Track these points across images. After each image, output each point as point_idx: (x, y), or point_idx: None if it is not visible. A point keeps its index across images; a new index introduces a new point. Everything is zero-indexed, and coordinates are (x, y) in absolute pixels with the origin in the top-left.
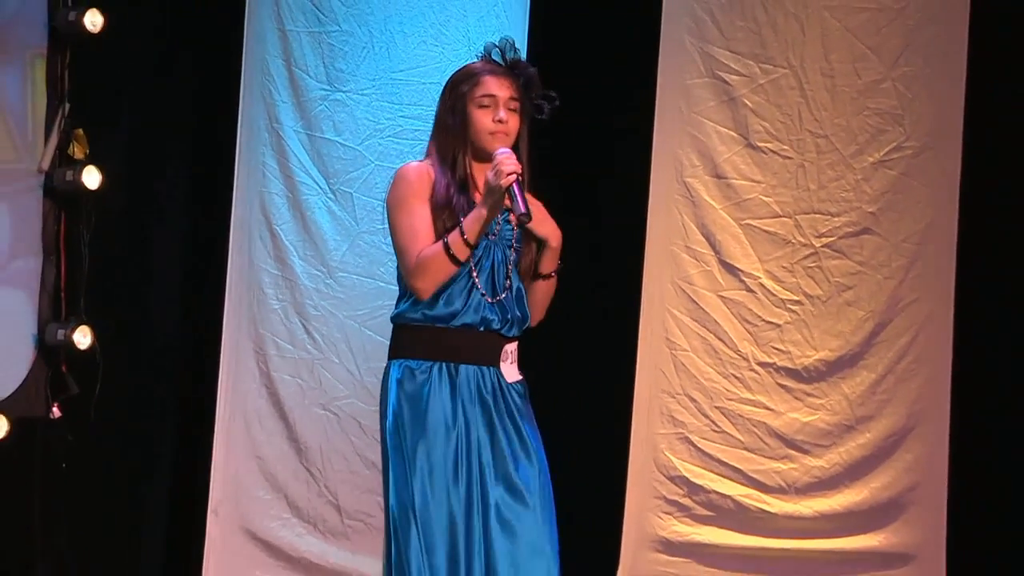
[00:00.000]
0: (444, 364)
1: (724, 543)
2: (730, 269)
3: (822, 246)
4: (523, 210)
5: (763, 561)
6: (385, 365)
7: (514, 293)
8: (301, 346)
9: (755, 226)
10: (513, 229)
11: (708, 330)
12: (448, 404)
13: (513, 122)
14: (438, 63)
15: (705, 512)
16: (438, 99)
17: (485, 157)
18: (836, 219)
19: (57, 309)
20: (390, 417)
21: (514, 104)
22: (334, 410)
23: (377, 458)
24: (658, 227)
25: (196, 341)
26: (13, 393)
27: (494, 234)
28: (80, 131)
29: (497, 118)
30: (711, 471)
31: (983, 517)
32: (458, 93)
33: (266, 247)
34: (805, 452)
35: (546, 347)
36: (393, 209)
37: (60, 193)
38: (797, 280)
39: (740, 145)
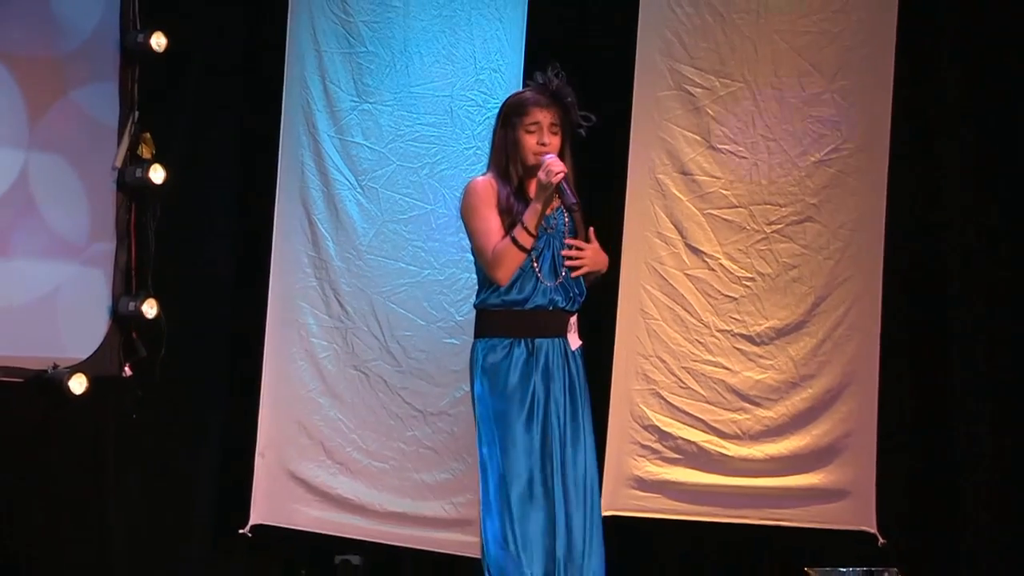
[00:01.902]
0: (522, 340)
1: (689, 481)
2: (695, 251)
3: (772, 232)
4: (573, 200)
5: (721, 496)
6: (472, 344)
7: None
8: (335, 317)
9: (715, 215)
10: (566, 223)
11: (676, 303)
12: (525, 373)
13: (554, 143)
14: (449, 79)
15: (673, 455)
16: (494, 122)
17: (532, 171)
18: (783, 209)
19: (128, 285)
20: (478, 386)
21: (555, 129)
22: (363, 370)
23: (399, 410)
24: (634, 216)
25: (246, 312)
26: (92, 355)
27: (551, 228)
28: (147, 135)
29: (541, 141)
30: (678, 421)
31: (905, 459)
32: (510, 121)
33: (305, 233)
34: (757, 405)
35: None
36: (468, 216)
37: (131, 187)
38: (751, 261)
39: (703, 147)
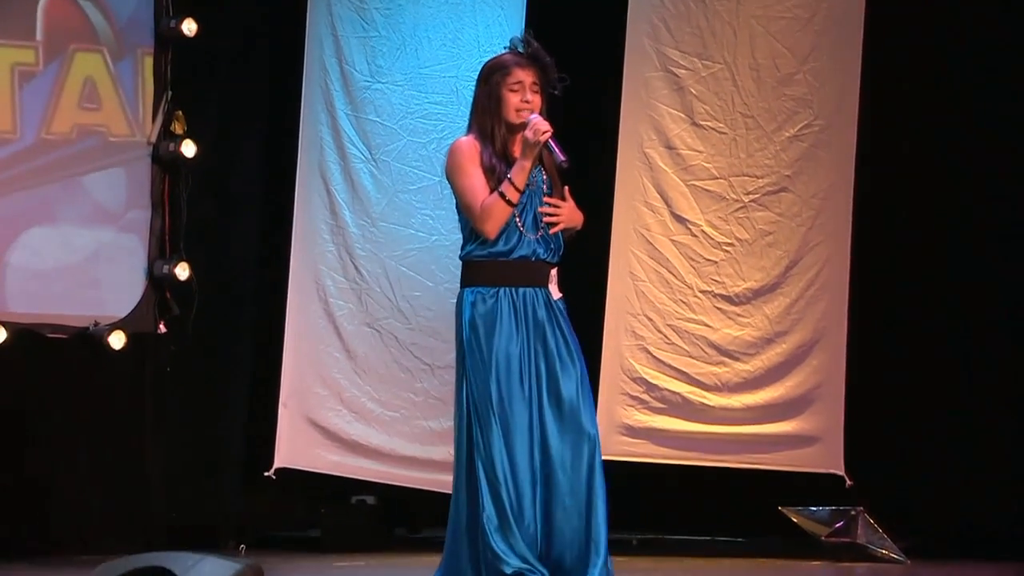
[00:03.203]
0: (507, 288)
1: (673, 428)
2: (679, 219)
3: (750, 201)
4: (562, 159)
5: (703, 442)
6: (458, 294)
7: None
8: (351, 278)
9: (698, 186)
10: (545, 180)
11: (662, 266)
12: (513, 320)
13: (536, 101)
14: (455, 61)
15: (659, 405)
16: (476, 85)
17: (515, 129)
18: (760, 180)
19: (163, 249)
20: (467, 332)
21: (536, 88)
22: (376, 327)
23: (409, 363)
24: (623, 187)
25: (270, 275)
26: (129, 314)
27: (533, 184)
28: (180, 112)
29: (524, 99)
30: (664, 373)
31: (871, 408)
32: (493, 80)
33: (323, 202)
34: (736, 359)
35: None
36: (454, 174)
37: (164, 160)
38: (730, 227)
39: (687, 123)
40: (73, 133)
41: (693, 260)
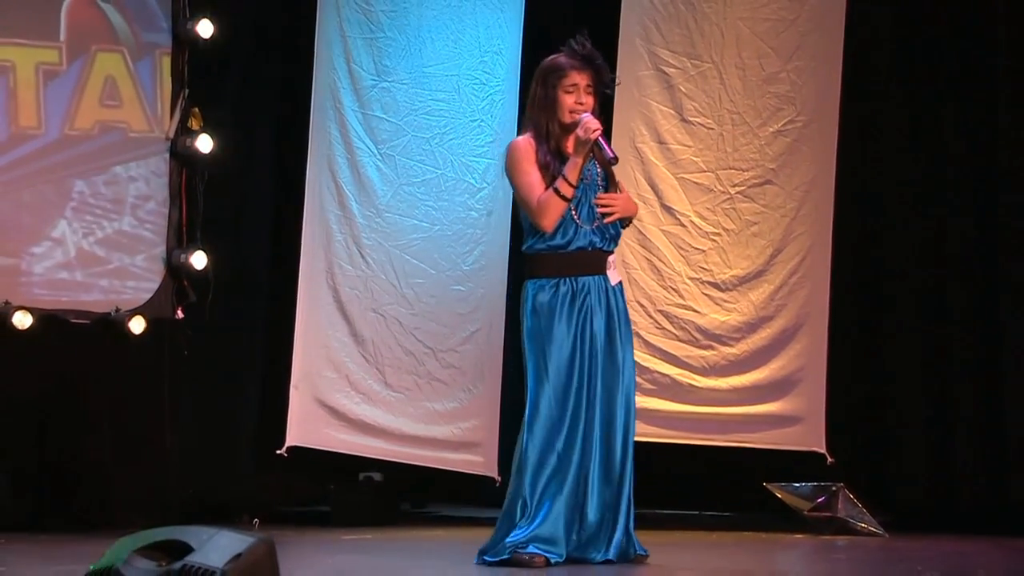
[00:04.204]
0: (567, 278)
1: (664, 409)
2: (668, 210)
3: (736, 193)
4: (611, 155)
5: (691, 422)
6: (523, 285)
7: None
8: (358, 267)
9: (687, 178)
10: (599, 173)
11: (652, 254)
12: (571, 307)
13: (589, 102)
14: (457, 60)
15: (650, 386)
16: (532, 84)
17: (569, 128)
18: (746, 173)
19: (180, 239)
20: (529, 320)
21: (590, 89)
22: (382, 313)
23: (413, 347)
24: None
25: (281, 264)
26: (148, 300)
27: (587, 179)
28: (196, 109)
29: (578, 101)
30: (654, 357)
31: (851, 389)
32: (549, 82)
33: (332, 195)
34: (723, 343)
35: None
36: (512, 172)
37: (181, 155)
38: (717, 218)
39: (676, 120)
40: (95, 129)
41: (682, 249)
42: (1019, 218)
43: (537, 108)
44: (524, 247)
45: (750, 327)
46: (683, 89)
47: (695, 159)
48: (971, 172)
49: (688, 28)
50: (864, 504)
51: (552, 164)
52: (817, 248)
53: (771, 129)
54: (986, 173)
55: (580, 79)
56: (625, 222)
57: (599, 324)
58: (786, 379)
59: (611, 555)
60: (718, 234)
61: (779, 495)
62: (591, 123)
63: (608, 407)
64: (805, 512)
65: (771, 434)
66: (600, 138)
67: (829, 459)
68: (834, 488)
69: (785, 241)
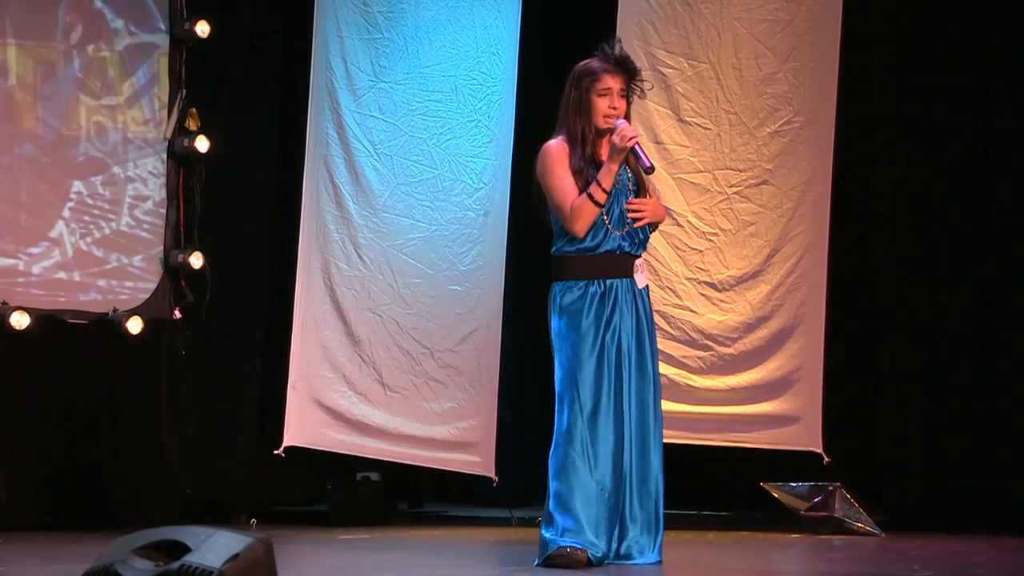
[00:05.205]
0: (595, 281)
1: (662, 409)
2: (666, 210)
3: (733, 193)
4: (648, 164)
5: (689, 421)
6: (550, 287)
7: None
8: (355, 266)
9: (684, 179)
10: (630, 178)
11: (649, 254)
12: (598, 309)
13: (622, 106)
14: (454, 61)
15: None
16: (565, 88)
17: (602, 133)
18: (743, 173)
19: (178, 239)
20: (556, 322)
21: (623, 93)
22: (379, 313)
23: (410, 347)
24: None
25: (279, 264)
26: (146, 300)
27: (618, 184)
28: (194, 110)
29: (612, 105)
30: None
31: (848, 389)
32: (583, 86)
33: (329, 195)
34: (720, 343)
35: (540, 270)
36: (545, 176)
37: (179, 155)
38: (714, 218)
39: (673, 120)
40: (93, 129)
41: (679, 249)
42: (1016, 217)
43: (571, 112)
44: (553, 249)
45: (747, 327)
46: (680, 89)
47: (692, 159)
48: (967, 172)
49: (685, 29)
50: (861, 503)
51: (585, 169)
52: (814, 248)
53: (768, 129)
54: (982, 173)
55: (613, 83)
56: (653, 226)
57: (628, 324)
58: (783, 379)
59: (654, 557)
60: (715, 234)
61: (776, 495)
62: (628, 130)
63: (641, 408)
64: (802, 512)
65: (768, 434)
66: (637, 145)
67: (826, 459)
68: (831, 488)
69: (782, 241)
